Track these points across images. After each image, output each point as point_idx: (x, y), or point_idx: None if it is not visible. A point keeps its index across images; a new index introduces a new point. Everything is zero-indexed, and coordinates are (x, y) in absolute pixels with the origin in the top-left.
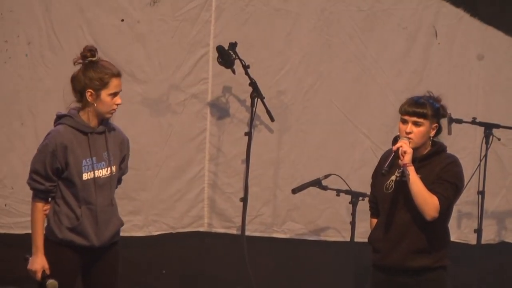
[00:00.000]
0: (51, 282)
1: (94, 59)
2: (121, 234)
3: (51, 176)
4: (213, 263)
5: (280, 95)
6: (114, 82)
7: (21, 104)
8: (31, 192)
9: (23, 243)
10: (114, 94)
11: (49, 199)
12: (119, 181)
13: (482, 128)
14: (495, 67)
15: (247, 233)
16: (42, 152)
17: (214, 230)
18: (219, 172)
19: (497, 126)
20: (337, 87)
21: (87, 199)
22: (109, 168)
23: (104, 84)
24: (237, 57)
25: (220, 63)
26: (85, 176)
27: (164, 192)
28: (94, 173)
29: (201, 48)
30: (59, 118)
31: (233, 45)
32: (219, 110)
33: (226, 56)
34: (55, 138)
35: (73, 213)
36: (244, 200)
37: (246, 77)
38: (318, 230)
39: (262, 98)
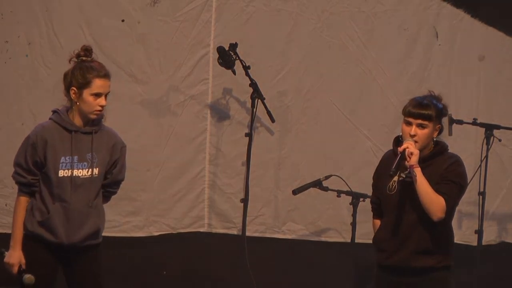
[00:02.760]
0: (27, 276)
1: (85, 58)
2: (122, 234)
3: (32, 169)
4: (213, 264)
5: (281, 96)
6: (97, 83)
7: (22, 104)
8: None
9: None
10: (97, 95)
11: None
12: (115, 186)
13: (483, 129)
14: (496, 68)
15: (247, 233)
16: (24, 145)
17: (214, 230)
18: (219, 173)
19: (498, 127)
20: (337, 87)
21: (61, 196)
22: (90, 170)
23: (87, 83)
24: (237, 58)
25: (220, 64)
26: (62, 173)
27: (164, 192)
28: (72, 172)
29: (202, 48)
30: (52, 113)
31: (233, 46)
32: (220, 111)
33: (227, 57)
34: (37, 132)
35: (45, 207)
36: (245, 200)
37: (247, 77)
38: (319, 231)
39: (262, 99)
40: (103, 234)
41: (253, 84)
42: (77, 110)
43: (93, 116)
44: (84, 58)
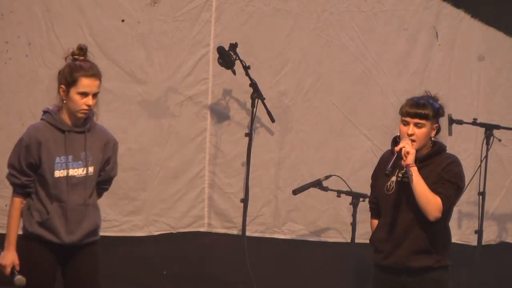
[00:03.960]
0: (19, 278)
1: (78, 57)
2: (122, 234)
3: (26, 170)
4: (213, 264)
5: (281, 96)
6: (83, 82)
7: (22, 104)
8: None
9: None
10: (84, 94)
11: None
12: (107, 183)
13: (483, 129)
14: (496, 68)
15: (247, 233)
16: (17, 147)
17: (214, 230)
18: (219, 173)
19: (498, 127)
20: (337, 87)
21: (58, 197)
22: (85, 168)
23: (73, 82)
24: (237, 58)
25: (220, 64)
26: (57, 173)
27: (164, 192)
28: (67, 172)
29: (202, 48)
30: (43, 114)
31: (233, 46)
32: (220, 111)
33: (227, 57)
34: (30, 134)
35: (44, 208)
36: (245, 200)
37: (247, 77)
38: (319, 231)
39: (262, 99)
40: (103, 233)
41: (253, 84)
42: (66, 109)
43: (79, 115)
44: (77, 56)
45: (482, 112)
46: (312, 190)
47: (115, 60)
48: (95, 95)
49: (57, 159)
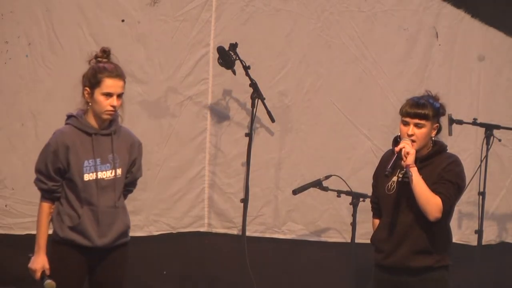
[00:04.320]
0: (48, 282)
1: (101, 59)
2: None
3: (54, 176)
4: (213, 264)
5: (281, 96)
6: (107, 82)
7: (22, 104)
8: (31, 193)
9: (24, 244)
10: (108, 95)
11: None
12: (132, 185)
13: (483, 129)
14: (496, 68)
15: (247, 233)
16: (44, 152)
17: (214, 230)
18: (219, 173)
19: (498, 127)
20: (337, 87)
21: (89, 200)
22: (113, 171)
23: (97, 83)
24: (237, 58)
25: (220, 64)
26: (87, 177)
27: (164, 192)
28: (96, 174)
29: (202, 48)
30: (68, 118)
31: (233, 46)
32: (220, 111)
33: (227, 57)
34: (57, 138)
35: (75, 212)
36: (245, 200)
37: (247, 77)
38: (319, 231)
39: (262, 99)
40: None
41: (253, 84)
42: (91, 111)
43: (105, 117)
44: (100, 59)
45: (482, 112)
46: (312, 190)
47: (115, 60)
48: (119, 96)
49: (86, 163)
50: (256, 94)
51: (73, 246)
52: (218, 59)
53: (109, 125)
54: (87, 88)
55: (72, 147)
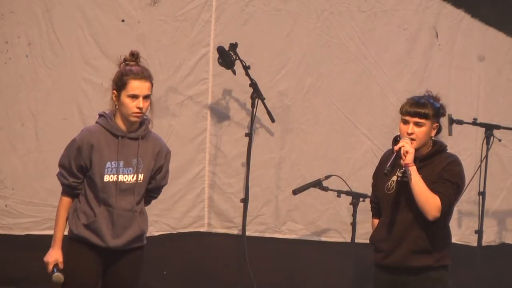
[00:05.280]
0: (56, 275)
1: (129, 62)
2: None
3: (75, 172)
4: (213, 264)
5: (281, 96)
6: (132, 84)
7: (22, 104)
8: (31, 193)
9: (24, 244)
10: (134, 96)
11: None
12: (156, 191)
13: (483, 129)
14: (496, 68)
15: (247, 233)
16: (69, 148)
17: (214, 230)
18: (219, 173)
19: (498, 127)
20: (337, 87)
21: (106, 201)
22: (135, 175)
23: (123, 85)
24: (237, 58)
25: (220, 64)
26: (107, 178)
27: (164, 192)
28: (117, 177)
29: (202, 48)
30: (99, 117)
31: (233, 46)
32: (220, 111)
33: (227, 57)
34: (83, 136)
35: (91, 210)
36: (245, 200)
37: (247, 77)
38: (319, 231)
39: (262, 99)
40: None
41: (253, 84)
42: (119, 114)
43: (132, 119)
44: (128, 62)
45: (482, 112)
46: (312, 190)
47: (115, 60)
48: (146, 98)
49: (108, 164)
50: (256, 94)
51: (87, 244)
52: (218, 59)
53: (138, 129)
54: (114, 91)
55: (97, 146)
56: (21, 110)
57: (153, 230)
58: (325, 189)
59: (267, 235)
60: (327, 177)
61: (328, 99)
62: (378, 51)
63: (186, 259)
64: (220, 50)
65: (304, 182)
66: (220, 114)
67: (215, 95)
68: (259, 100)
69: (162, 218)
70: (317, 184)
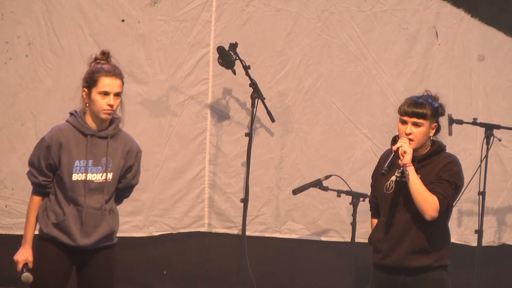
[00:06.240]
0: (25, 275)
1: (100, 61)
2: (122, 234)
3: (45, 171)
4: (213, 263)
5: (281, 96)
6: (103, 81)
7: (22, 104)
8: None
9: None
10: (105, 93)
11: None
12: (127, 190)
13: (483, 129)
14: (496, 68)
15: (247, 233)
16: (39, 146)
17: (214, 230)
18: (219, 173)
19: (498, 127)
20: (337, 87)
21: (75, 200)
22: (104, 174)
23: (94, 82)
24: (237, 58)
25: (220, 64)
26: (75, 176)
27: (164, 192)
28: (86, 176)
29: (202, 48)
30: (69, 115)
31: (233, 46)
32: (220, 111)
33: (227, 57)
34: (52, 134)
35: (61, 209)
36: (245, 200)
37: (247, 77)
38: (319, 230)
39: (262, 99)
40: None
41: (253, 84)
42: (90, 112)
43: (103, 116)
44: (99, 60)
45: (482, 112)
46: (312, 190)
47: (115, 60)
48: (117, 95)
49: (77, 162)
50: (256, 94)
51: (57, 243)
52: (218, 59)
53: (108, 128)
54: (85, 89)
55: (65, 144)
56: (21, 110)
57: (153, 230)
58: (325, 189)
59: (267, 235)
60: (327, 177)
61: (328, 99)
62: (378, 51)
63: (186, 259)
64: (220, 50)
65: (304, 182)
66: (220, 114)
67: (215, 95)
68: (259, 100)
69: (162, 218)
70: (317, 184)
